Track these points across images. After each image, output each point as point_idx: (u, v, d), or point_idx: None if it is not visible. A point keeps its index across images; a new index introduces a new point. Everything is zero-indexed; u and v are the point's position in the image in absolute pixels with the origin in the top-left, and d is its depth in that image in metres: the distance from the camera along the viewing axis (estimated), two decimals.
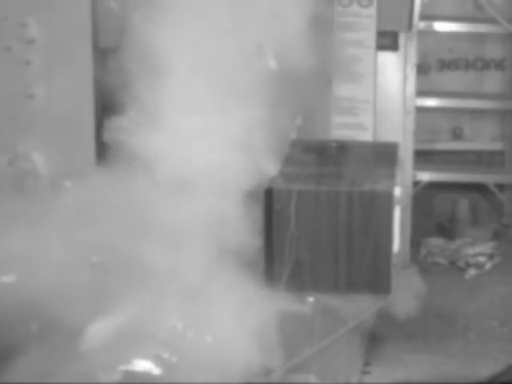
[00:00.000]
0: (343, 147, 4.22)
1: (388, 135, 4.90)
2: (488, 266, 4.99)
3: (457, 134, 5.49)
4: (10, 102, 4.05)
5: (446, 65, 5.44)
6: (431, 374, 3.94)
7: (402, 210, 3.99)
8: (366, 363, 3.97)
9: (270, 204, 3.79)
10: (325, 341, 3.65)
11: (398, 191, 3.83)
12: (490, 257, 5.04)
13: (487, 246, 5.12)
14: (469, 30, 5.30)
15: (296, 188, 3.78)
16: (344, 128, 4.81)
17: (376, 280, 3.76)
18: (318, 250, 3.79)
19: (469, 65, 5.43)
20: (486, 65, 5.43)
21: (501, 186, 5.36)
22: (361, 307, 3.80)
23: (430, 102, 5.28)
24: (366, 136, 4.82)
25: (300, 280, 3.76)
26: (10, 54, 4.00)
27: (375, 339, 4.06)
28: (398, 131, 5.01)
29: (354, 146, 4.34)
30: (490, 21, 5.22)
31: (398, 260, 4.03)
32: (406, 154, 4.84)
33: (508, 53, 5.40)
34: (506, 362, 3.97)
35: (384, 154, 4.23)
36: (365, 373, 3.92)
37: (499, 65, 5.43)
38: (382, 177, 3.87)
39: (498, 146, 5.48)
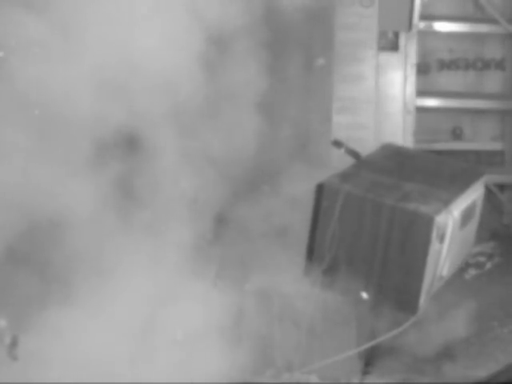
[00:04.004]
0: (356, 153, 4.24)
1: (388, 135, 4.91)
2: (488, 266, 4.99)
3: (457, 134, 5.49)
4: None
5: (446, 65, 5.44)
6: (431, 374, 3.94)
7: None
8: (367, 363, 3.96)
9: (319, 199, 3.84)
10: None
11: (449, 220, 3.82)
12: (490, 257, 5.04)
13: (487, 246, 5.12)
14: (469, 30, 5.31)
15: (345, 189, 3.82)
16: (345, 128, 4.81)
17: (404, 298, 3.77)
18: (355, 254, 3.82)
19: (469, 65, 5.43)
20: (485, 65, 5.43)
21: (501, 186, 5.36)
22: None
23: (430, 102, 5.29)
24: (367, 136, 4.82)
25: (334, 278, 3.79)
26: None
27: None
28: (398, 131, 5.01)
29: (438, 163, 4.36)
30: (490, 21, 5.23)
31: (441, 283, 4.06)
32: None
33: (508, 53, 5.40)
34: (506, 361, 3.98)
35: (462, 178, 4.20)
36: (365, 373, 3.92)
37: (499, 65, 5.43)
38: (437, 199, 3.85)
39: (498, 146, 5.48)
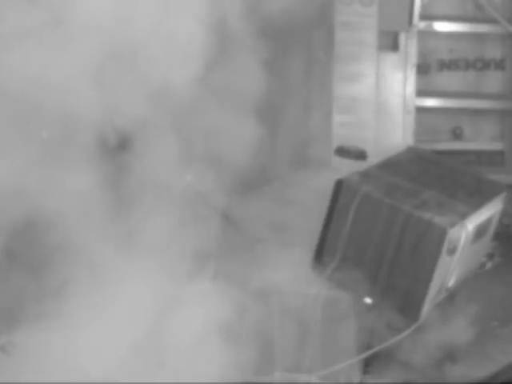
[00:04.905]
0: (362, 154, 4.24)
1: (388, 135, 4.90)
2: (488, 265, 4.98)
3: (457, 134, 5.48)
4: None
5: (446, 65, 5.43)
6: (431, 374, 3.93)
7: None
8: (366, 363, 3.96)
9: (336, 195, 3.85)
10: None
11: (462, 234, 3.82)
12: (490, 257, 5.03)
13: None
14: (469, 30, 5.30)
15: (363, 190, 3.82)
16: (345, 127, 4.81)
17: (408, 305, 3.78)
18: (364, 255, 3.82)
19: (469, 65, 5.43)
20: (485, 65, 5.42)
21: None
22: None
23: (430, 102, 5.28)
24: (367, 135, 4.82)
25: (342, 276, 3.79)
26: None
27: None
28: (398, 131, 5.01)
29: (461, 174, 4.35)
30: (490, 21, 5.22)
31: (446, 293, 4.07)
32: None
33: (508, 53, 5.39)
34: (506, 362, 3.97)
35: (482, 192, 4.19)
36: (365, 373, 3.91)
37: (499, 65, 5.42)
38: (454, 212, 3.85)
39: (498, 145, 5.48)
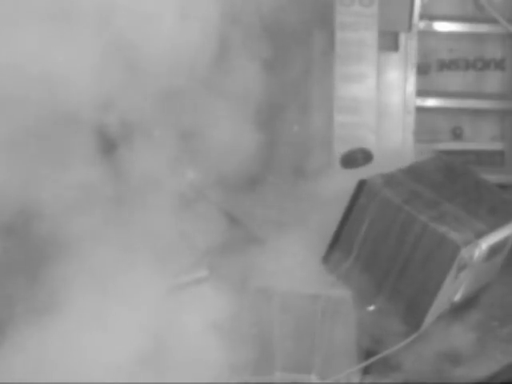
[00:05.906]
0: (368, 156, 4.25)
1: (388, 135, 4.90)
2: None
3: (457, 134, 5.48)
4: None
5: (446, 65, 5.43)
6: (431, 374, 3.93)
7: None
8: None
9: (357, 194, 3.86)
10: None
11: (475, 253, 3.82)
12: None
13: None
14: (469, 30, 5.30)
15: (384, 193, 3.83)
16: (346, 127, 4.81)
17: (411, 313, 3.78)
18: (376, 258, 3.83)
19: (469, 65, 5.43)
20: (485, 65, 5.42)
21: (501, 186, 5.35)
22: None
23: (430, 102, 5.28)
24: (369, 135, 4.81)
25: (350, 275, 3.80)
26: None
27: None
28: (398, 131, 5.01)
29: (485, 189, 4.34)
30: (490, 21, 5.22)
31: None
32: (406, 154, 4.84)
33: (508, 53, 5.39)
34: (506, 362, 3.97)
35: (503, 212, 4.18)
36: (365, 373, 3.91)
37: (499, 65, 5.42)
38: (470, 229, 3.85)
39: (498, 146, 5.48)
